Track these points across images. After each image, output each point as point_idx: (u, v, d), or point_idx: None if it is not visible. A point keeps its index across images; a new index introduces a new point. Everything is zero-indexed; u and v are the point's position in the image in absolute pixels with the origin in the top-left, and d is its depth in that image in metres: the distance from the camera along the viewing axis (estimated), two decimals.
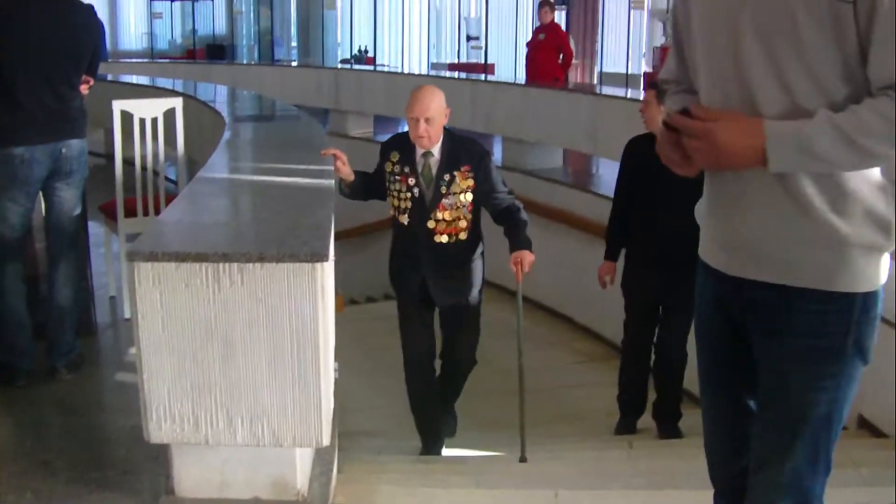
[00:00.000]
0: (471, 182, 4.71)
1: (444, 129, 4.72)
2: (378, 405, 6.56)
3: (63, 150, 4.38)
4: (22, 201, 4.34)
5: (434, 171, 4.68)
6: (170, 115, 5.50)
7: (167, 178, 5.50)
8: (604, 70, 14.56)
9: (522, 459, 4.80)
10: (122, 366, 4.90)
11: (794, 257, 2.02)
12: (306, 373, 2.84)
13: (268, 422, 2.88)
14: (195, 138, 5.64)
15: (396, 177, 4.73)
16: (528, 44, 12.78)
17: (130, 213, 5.41)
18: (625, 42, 14.31)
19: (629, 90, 11.33)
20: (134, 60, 18.90)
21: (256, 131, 6.32)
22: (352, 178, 4.70)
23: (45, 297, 4.62)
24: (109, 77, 10.99)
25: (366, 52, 18.31)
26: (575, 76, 14.79)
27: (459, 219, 4.73)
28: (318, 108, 13.55)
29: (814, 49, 1.86)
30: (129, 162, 5.43)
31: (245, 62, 19.51)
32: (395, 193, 4.75)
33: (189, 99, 6.98)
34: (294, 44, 20.10)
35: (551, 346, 8.13)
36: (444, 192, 4.67)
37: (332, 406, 3.13)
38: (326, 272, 2.87)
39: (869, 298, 2.05)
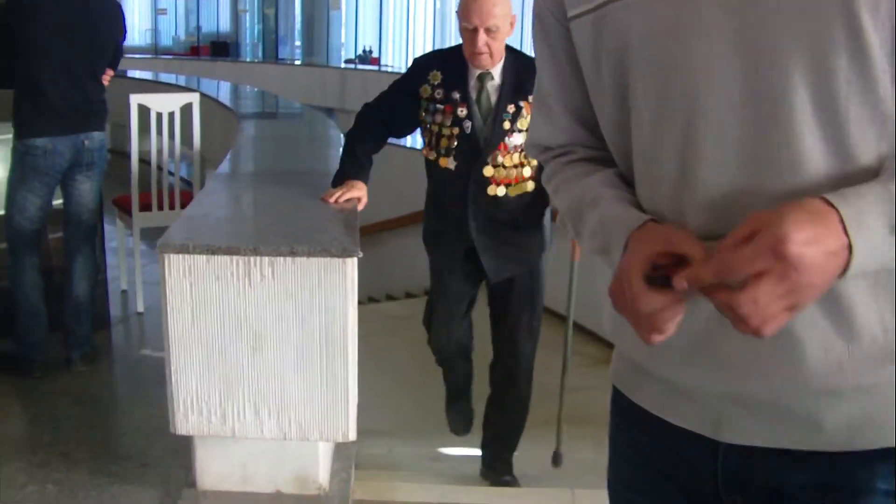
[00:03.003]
0: None
1: (506, 45, 3.67)
2: (381, 405, 6.56)
3: (85, 142, 4.40)
4: (41, 192, 4.35)
5: (494, 99, 3.63)
6: (185, 110, 5.51)
7: (171, 173, 5.47)
8: None
9: (556, 460, 4.33)
10: (136, 359, 4.93)
11: (858, 408, 1.20)
12: (335, 367, 2.84)
13: (295, 416, 2.89)
14: (205, 134, 5.64)
15: (438, 105, 3.65)
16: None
17: (144, 207, 5.41)
18: None
19: None
20: (138, 56, 18.87)
21: (271, 128, 6.34)
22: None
23: (61, 289, 4.62)
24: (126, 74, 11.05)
25: (370, 52, 18.32)
26: None
27: (524, 165, 3.68)
28: (322, 108, 13.57)
29: (882, 73, 1.12)
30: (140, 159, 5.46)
31: (249, 60, 19.51)
32: (435, 128, 3.68)
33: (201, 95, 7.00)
34: (298, 43, 20.10)
35: (552, 348, 8.13)
36: (507, 128, 3.61)
37: (356, 401, 3.15)
38: (355, 267, 2.88)
39: None
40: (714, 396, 1.28)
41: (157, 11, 21.01)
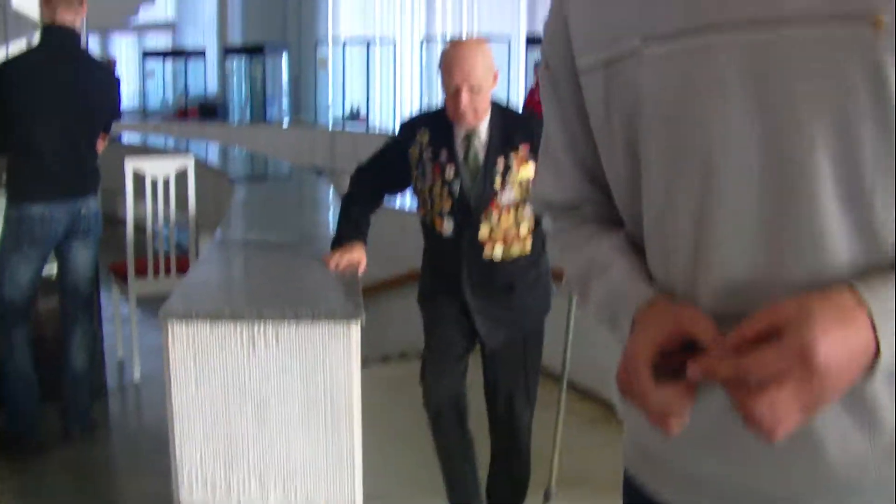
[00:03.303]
0: (532, 167, 3.40)
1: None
2: (382, 469, 6.49)
3: (82, 209, 4.36)
4: (35, 262, 4.29)
5: (482, 156, 3.45)
6: (180, 174, 5.50)
7: (164, 239, 5.46)
8: None
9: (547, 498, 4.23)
10: (134, 429, 4.88)
11: None
12: (339, 433, 2.82)
13: (301, 484, 2.85)
14: (199, 198, 5.63)
15: (427, 166, 3.51)
16: (524, 103, 12.87)
17: (140, 274, 5.38)
18: None
19: None
20: (126, 119, 18.94)
21: (263, 191, 6.34)
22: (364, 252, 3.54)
23: (55, 358, 4.56)
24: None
25: (358, 112, 18.42)
26: None
27: (520, 222, 3.50)
28: (312, 168, 13.60)
29: None
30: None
31: (237, 121, 19.59)
32: (426, 190, 3.54)
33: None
34: (285, 103, 20.22)
35: (549, 407, 8.06)
36: (498, 185, 3.43)
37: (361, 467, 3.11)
38: (359, 331, 2.86)
39: None
40: (730, 490, 1.19)
41: (144, 74, 21.11)
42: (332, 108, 19.39)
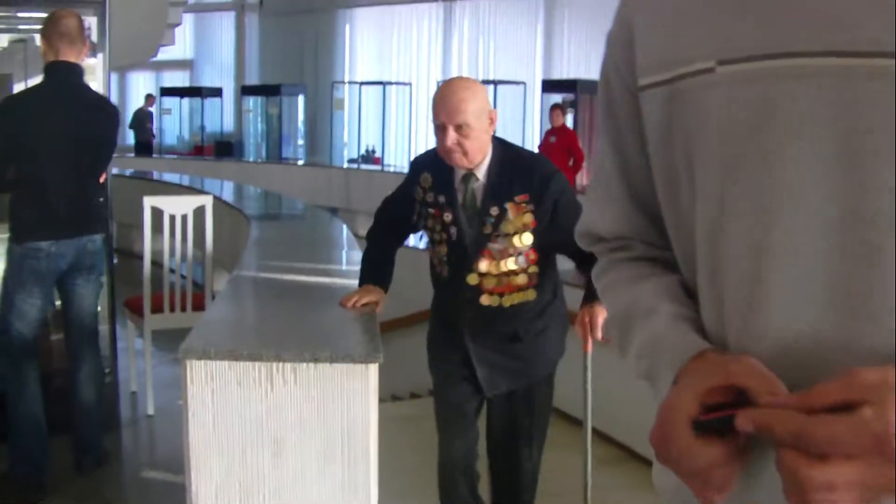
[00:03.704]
0: (529, 218, 3.29)
1: (495, 138, 3.37)
2: None
3: (88, 245, 4.37)
4: (41, 296, 4.27)
5: (479, 201, 3.34)
6: (198, 212, 5.55)
7: (182, 276, 5.49)
8: None
9: None
10: (147, 462, 4.89)
11: None
12: (356, 473, 2.83)
13: None
14: (216, 235, 5.67)
15: (429, 209, 3.42)
16: (539, 146, 12.95)
17: (156, 309, 5.41)
18: None
19: None
20: (143, 155, 19.06)
21: (280, 229, 6.39)
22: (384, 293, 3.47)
23: (64, 392, 4.54)
24: (129, 172, 11.17)
25: (373, 151, 18.51)
26: (582, 179, 14.98)
27: (516, 272, 3.35)
28: (327, 207, 13.68)
29: None
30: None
31: (253, 159, 19.70)
32: (429, 233, 3.48)
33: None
34: (301, 142, 20.33)
35: (564, 447, 8.05)
36: (488, 232, 3.30)
37: None
38: (377, 373, 2.88)
39: None
40: None
41: (161, 111, 21.22)
42: (348, 148, 19.50)
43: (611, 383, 5.39)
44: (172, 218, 5.44)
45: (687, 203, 1.11)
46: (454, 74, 17.26)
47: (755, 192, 1.01)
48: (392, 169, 17.48)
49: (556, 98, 13.95)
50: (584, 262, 3.29)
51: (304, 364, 2.77)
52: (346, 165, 18.14)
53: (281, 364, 2.77)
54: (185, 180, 11.12)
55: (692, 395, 0.98)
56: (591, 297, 3.46)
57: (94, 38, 4.82)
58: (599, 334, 3.45)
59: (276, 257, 4.97)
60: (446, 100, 3.19)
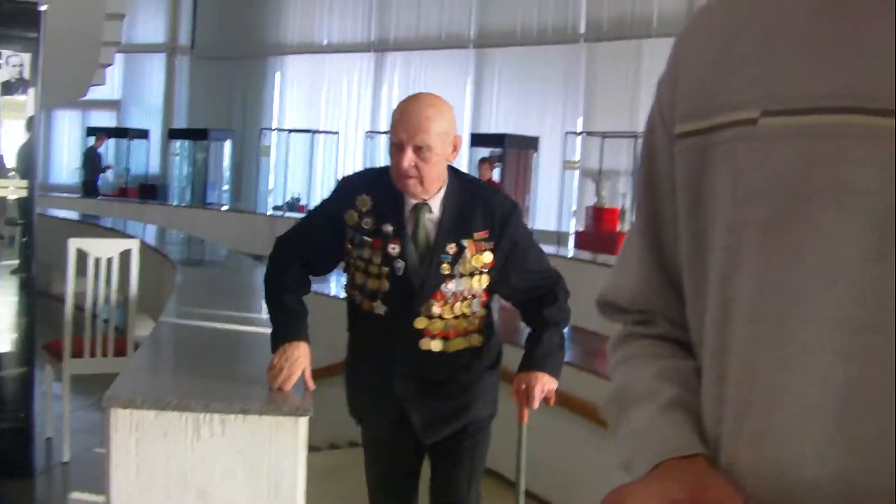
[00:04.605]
0: (488, 258, 2.99)
1: (450, 168, 3.04)
2: None
3: None
4: None
5: (432, 236, 2.98)
6: (123, 256, 5.46)
7: (105, 320, 5.39)
8: (535, 227, 14.86)
9: None
10: None
11: None
12: None
13: None
14: (140, 280, 5.59)
15: (365, 238, 2.98)
16: None
17: (76, 353, 5.29)
18: (556, 200, 14.77)
19: (558, 248, 11.96)
20: (65, 195, 18.77)
21: (206, 275, 6.31)
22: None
23: None
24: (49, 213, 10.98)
25: (298, 199, 18.45)
26: None
27: (466, 316, 3.05)
28: (251, 255, 13.55)
29: None
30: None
31: (177, 203, 19.50)
32: (361, 264, 3.02)
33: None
34: (226, 187, 20.19)
35: None
36: (446, 272, 2.96)
37: None
38: (307, 426, 2.85)
39: None
40: None
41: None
42: (273, 194, 19.41)
43: (556, 447, 5.29)
44: (97, 261, 5.34)
45: (700, 279, 1.00)
46: (382, 127, 17.32)
47: (776, 280, 0.88)
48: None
49: (485, 152, 14.06)
50: (529, 307, 3.17)
51: (233, 416, 2.73)
52: (270, 212, 18.03)
53: (209, 415, 2.73)
54: (108, 222, 10.97)
55: (659, 494, 0.88)
56: (529, 363, 3.15)
57: (27, 74, 4.75)
58: (536, 404, 3.15)
59: (202, 304, 4.91)
60: (408, 115, 2.86)
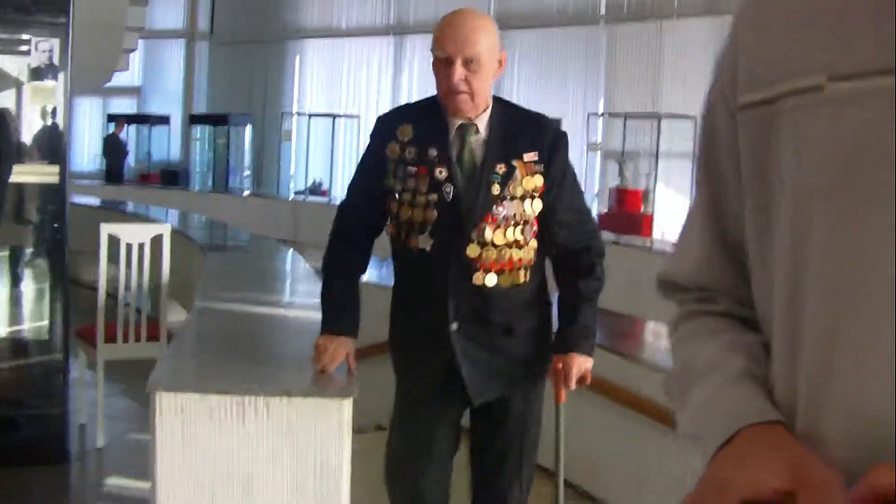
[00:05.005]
0: (539, 181, 2.85)
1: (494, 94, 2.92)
2: None
3: None
4: None
5: (479, 157, 2.84)
6: (154, 241, 5.46)
7: (135, 307, 5.39)
8: None
9: None
10: (94, 496, 4.76)
11: None
12: None
13: None
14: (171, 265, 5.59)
15: (410, 167, 2.84)
16: None
17: (109, 339, 5.30)
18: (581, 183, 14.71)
19: None
20: (86, 182, 18.82)
21: (233, 260, 6.31)
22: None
23: None
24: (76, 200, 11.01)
25: (320, 184, 18.44)
26: None
27: (520, 246, 2.87)
28: (276, 239, 13.56)
29: None
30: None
31: (198, 189, 19.53)
32: (408, 196, 2.85)
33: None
34: (247, 173, 20.19)
35: (533, 499, 7.82)
36: (496, 193, 2.81)
37: None
38: (351, 408, 2.84)
39: None
40: None
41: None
42: (295, 179, 19.41)
43: (587, 433, 5.19)
44: (129, 246, 5.35)
45: (766, 253, 0.99)
46: None
47: (843, 241, 0.88)
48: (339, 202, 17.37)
49: None
50: (562, 261, 3.01)
51: (278, 398, 2.73)
52: (292, 197, 18.04)
53: (253, 398, 2.73)
54: (131, 207, 10.99)
55: (754, 480, 0.85)
56: (564, 343, 3.03)
57: (56, 60, 4.75)
58: (573, 385, 3.04)
59: (232, 289, 4.91)
60: (456, 28, 2.72)
